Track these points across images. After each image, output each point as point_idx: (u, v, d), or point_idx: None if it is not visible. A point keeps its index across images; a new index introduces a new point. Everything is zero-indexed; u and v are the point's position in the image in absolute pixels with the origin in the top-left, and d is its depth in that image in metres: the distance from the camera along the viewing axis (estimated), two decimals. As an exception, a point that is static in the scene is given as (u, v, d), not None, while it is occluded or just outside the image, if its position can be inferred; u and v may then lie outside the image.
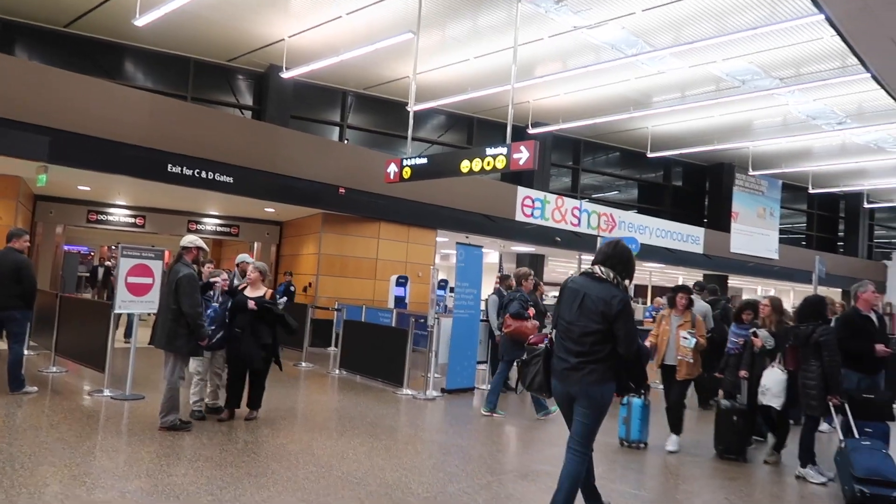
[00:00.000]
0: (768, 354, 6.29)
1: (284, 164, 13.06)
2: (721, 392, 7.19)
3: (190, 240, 6.29)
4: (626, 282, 3.98)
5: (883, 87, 7.27)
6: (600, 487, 4.38)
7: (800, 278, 22.60)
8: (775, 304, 6.59)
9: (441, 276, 18.47)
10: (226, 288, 6.72)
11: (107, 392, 7.23)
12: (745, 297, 29.32)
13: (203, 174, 11.80)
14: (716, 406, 6.72)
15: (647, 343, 6.56)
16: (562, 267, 24.28)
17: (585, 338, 3.84)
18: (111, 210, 15.45)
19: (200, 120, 12.49)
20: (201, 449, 5.42)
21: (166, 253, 12.10)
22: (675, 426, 6.60)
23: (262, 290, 6.62)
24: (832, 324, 6.09)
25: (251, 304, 6.43)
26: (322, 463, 5.29)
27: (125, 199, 14.93)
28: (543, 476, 5.36)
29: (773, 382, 6.01)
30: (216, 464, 5.06)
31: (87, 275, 17.57)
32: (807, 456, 5.88)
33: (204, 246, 6.38)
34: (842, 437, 5.62)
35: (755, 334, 6.39)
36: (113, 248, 19.59)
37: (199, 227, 16.18)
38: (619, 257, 4.01)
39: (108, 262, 15.40)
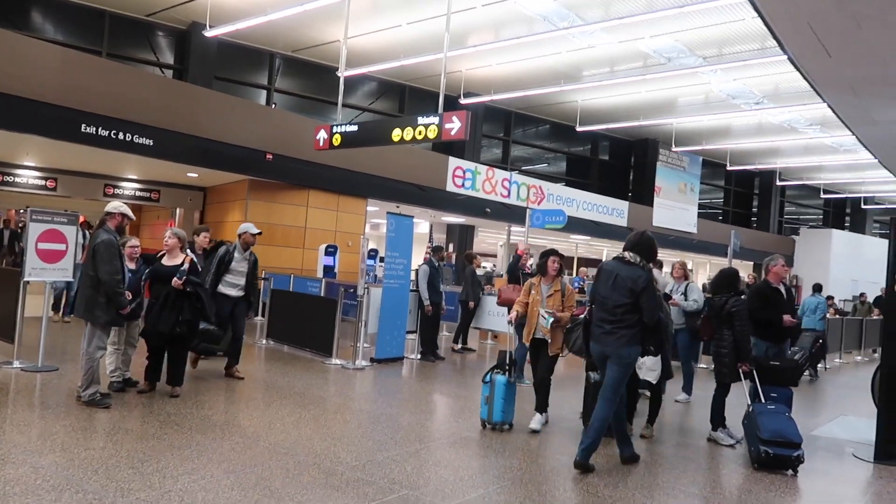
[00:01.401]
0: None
1: (208, 127, 12.56)
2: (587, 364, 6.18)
3: (114, 205, 5.98)
4: (650, 265, 5.09)
5: (798, 69, 7.60)
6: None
7: (716, 251, 23.69)
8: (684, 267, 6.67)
9: (371, 245, 18.37)
10: (135, 255, 6.48)
11: (17, 364, 6.86)
12: (666, 269, 30.59)
13: (120, 135, 11.22)
14: (585, 380, 6.08)
15: (514, 312, 6.00)
16: (491, 238, 24.57)
17: (617, 309, 4.89)
18: (19, 171, 14.49)
19: (117, 78, 11.82)
20: (120, 422, 5.24)
21: (80, 217, 11.48)
22: (541, 404, 6.08)
23: (180, 258, 6.32)
24: (743, 296, 6.41)
25: (177, 282, 6.09)
26: (248, 434, 5.21)
27: (35, 160, 14.03)
28: (471, 443, 5.47)
29: (648, 357, 5.64)
30: (137, 436, 4.91)
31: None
32: (718, 420, 6.23)
33: (129, 213, 6.03)
34: (749, 402, 5.96)
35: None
36: (21, 211, 18.45)
37: (117, 191, 15.42)
38: (643, 245, 5.01)
39: (13, 227, 14.48)
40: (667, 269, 11.64)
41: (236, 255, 7.40)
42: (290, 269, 13.57)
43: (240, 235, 7.55)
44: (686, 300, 8.11)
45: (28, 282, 6.98)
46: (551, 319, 5.77)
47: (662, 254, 25.79)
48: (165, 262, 6.31)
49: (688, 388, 8.05)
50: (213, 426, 5.35)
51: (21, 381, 6.40)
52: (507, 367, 5.91)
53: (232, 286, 7.35)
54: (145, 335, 6.29)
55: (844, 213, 33.61)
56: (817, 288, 12.43)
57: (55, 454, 4.37)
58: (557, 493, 4.46)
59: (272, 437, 5.15)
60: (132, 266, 6.41)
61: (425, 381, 8.35)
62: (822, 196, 29.94)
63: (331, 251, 14.36)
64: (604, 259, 27.84)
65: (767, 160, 25.33)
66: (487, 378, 5.91)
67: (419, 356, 9.77)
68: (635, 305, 4.82)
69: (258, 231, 7.68)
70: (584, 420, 5.96)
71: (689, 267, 8.90)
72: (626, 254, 4.97)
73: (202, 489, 3.94)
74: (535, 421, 6.01)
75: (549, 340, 5.93)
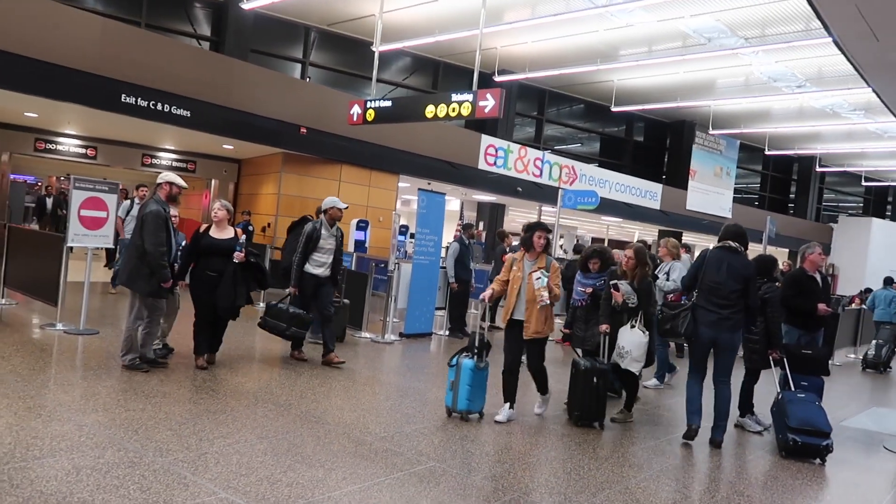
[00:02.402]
0: (628, 312, 5.64)
1: (244, 99, 12.68)
2: (579, 351, 6.16)
3: (163, 175, 5.96)
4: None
5: (843, 52, 7.39)
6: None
7: (751, 237, 23.18)
8: (640, 255, 5.73)
9: (402, 221, 18.46)
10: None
11: (59, 326, 7.10)
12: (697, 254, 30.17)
13: (159, 106, 11.39)
14: (573, 366, 5.68)
15: (490, 290, 5.55)
16: (522, 217, 24.46)
17: (732, 294, 5.31)
18: (61, 139, 14.81)
19: (156, 49, 11.97)
20: (158, 385, 5.41)
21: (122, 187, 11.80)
22: (509, 393, 5.52)
23: (229, 231, 6.16)
24: (777, 283, 6.34)
25: (239, 255, 5.99)
26: (281, 402, 5.35)
27: (75, 129, 14.32)
28: (486, 421, 5.54)
29: (633, 345, 5.50)
30: (174, 400, 5.07)
31: (34, 205, 16.92)
32: (746, 406, 6.21)
33: (177, 181, 5.92)
34: (779, 390, 5.92)
35: (616, 287, 5.61)
36: (62, 178, 18.90)
37: (154, 161, 15.69)
38: (742, 235, 5.60)
39: (55, 193, 14.82)
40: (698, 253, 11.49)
41: (323, 231, 6.90)
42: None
43: (325, 210, 7.00)
44: (668, 280, 7.38)
45: (71, 247, 7.19)
46: (546, 279, 5.21)
47: (694, 238, 25.42)
48: (214, 234, 6.09)
49: (660, 375, 7.72)
50: (246, 393, 5.50)
51: (64, 343, 6.63)
52: (475, 351, 5.37)
53: (319, 265, 6.89)
54: (204, 309, 6.07)
55: (886, 201, 32.71)
56: (888, 281, 12.13)
57: (97, 414, 4.55)
58: (592, 472, 4.51)
59: (303, 406, 5.28)
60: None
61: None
62: (864, 183, 29.15)
63: (362, 226, 14.47)
64: (635, 241, 27.59)
65: (807, 145, 24.71)
66: (454, 361, 5.40)
67: (447, 332, 9.86)
68: (745, 291, 5.32)
69: (345, 205, 7.19)
70: (569, 410, 5.70)
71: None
72: (730, 243, 5.48)
73: (237, 452, 4.08)
74: (537, 405, 5.76)
75: (548, 303, 5.24)
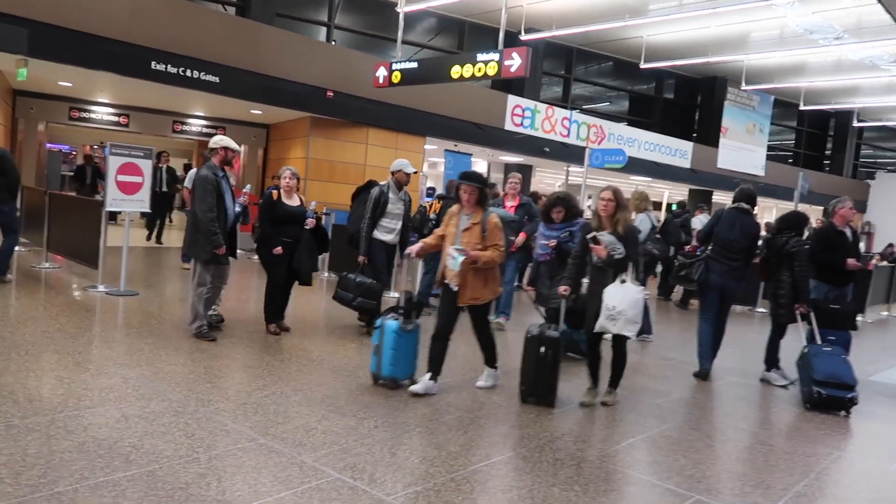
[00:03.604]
0: (615, 266, 4.69)
1: (271, 64, 12.74)
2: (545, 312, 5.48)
3: (215, 140, 5.88)
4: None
5: (881, 1, 7.16)
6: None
7: (784, 195, 22.82)
8: (619, 197, 4.85)
9: (429, 184, 18.50)
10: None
11: (101, 287, 7.39)
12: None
13: (188, 73, 11.53)
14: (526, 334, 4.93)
15: (420, 244, 4.96)
16: (549, 178, 24.32)
17: (742, 250, 6.00)
18: (94, 108, 15.11)
19: (184, 15, 12.05)
20: (197, 342, 5.64)
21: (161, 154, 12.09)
22: (434, 363, 4.82)
23: (296, 199, 6.18)
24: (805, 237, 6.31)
25: (310, 222, 6.09)
26: (314, 357, 5.55)
27: (108, 97, 14.58)
28: (514, 372, 5.67)
29: (628, 303, 4.58)
30: (211, 355, 5.30)
31: (72, 174, 17.32)
32: (772, 360, 6.25)
33: (231, 145, 5.86)
34: (805, 344, 5.94)
35: (595, 240, 4.68)
36: (96, 147, 19.30)
37: (185, 127, 15.93)
38: (752, 196, 6.26)
39: (94, 163, 15.17)
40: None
41: (391, 195, 6.62)
42: (349, 206, 13.86)
43: (393, 173, 6.73)
44: None
45: (110, 211, 7.44)
46: (460, 259, 4.54)
47: (725, 198, 24.94)
48: (286, 202, 6.09)
49: (647, 327, 7.53)
50: (281, 349, 5.71)
51: (106, 304, 6.92)
52: (402, 311, 4.86)
53: (388, 231, 6.62)
54: (280, 276, 6.09)
55: (927, 156, 31.70)
56: None
57: (141, 368, 4.79)
58: (618, 429, 4.63)
59: (335, 361, 5.47)
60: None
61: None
62: (904, 138, 28.28)
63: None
64: (664, 202, 27.26)
65: (845, 100, 23.93)
66: (378, 322, 4.90)
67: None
68: (751, 248, 6.10)
69: (414, 170, 6.88)
70: (524, 395, 4.83)
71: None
72: (742, 204, 6.15)
73: (273, 403, 4.28)
74: (422, 384, 4.76)
75: (457, 289, 4.67)
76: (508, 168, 20.50)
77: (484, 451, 3.83)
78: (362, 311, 6.64)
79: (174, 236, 12.98)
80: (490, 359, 5.12)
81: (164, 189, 12.15)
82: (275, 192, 6.19)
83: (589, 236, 4.73)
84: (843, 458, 4.42)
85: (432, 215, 8.31)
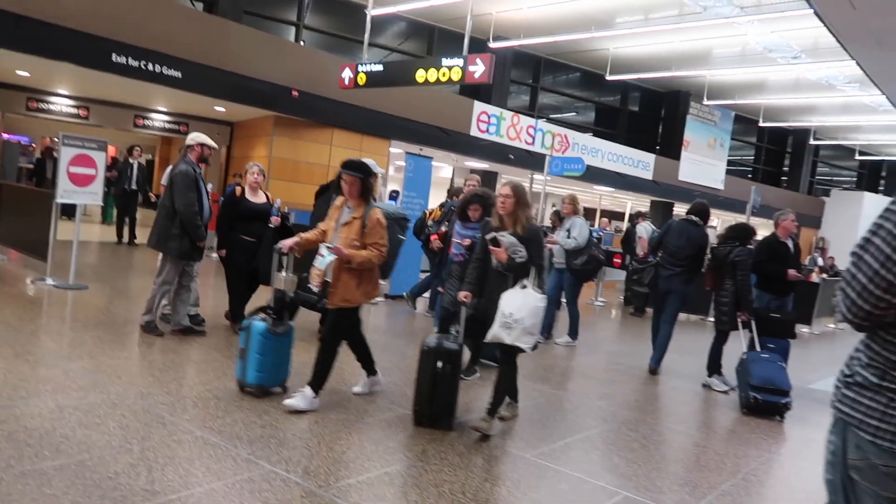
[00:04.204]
0: (516, 270, 4.14)
1: (237, 62, 12.66)
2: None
3: (192, 137, 5.84)
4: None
5: (823, 22, 7.43)
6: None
7: (741, 209, 23.35)
8: (519, 192, 4.31)
9: (395, 186, 18.50)
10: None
11: (49, 280, 7.26)
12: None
13: (150, 66, 11.39)
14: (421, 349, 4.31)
15: (297, 237, 4.47)
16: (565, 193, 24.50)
17: (687, 258, 6.47)
18: (53, 99, 14.81)
19: (149, 8, 11.90)
20: (143, 336, 5.59)
21: (111, 148, 11.84)
22: (319, 374, 4.28)
23: (262, 196, 6.12)
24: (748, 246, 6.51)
25: (275, 220, 5.96)
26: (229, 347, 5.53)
27: (67, 89, 14.32)
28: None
29: (526, 311, 3.99)
30: (158, 350, 5.26)
31: (31, 167, 16.91)
32: (714, 366, 6.43)
33: (208, 142, 5.84)
34: (745, 350, 6.12)
35: (495, 242, 4.16)
36: (55, 139, 18.88)
37: (147, 122, 15.71)
38: (704, 212, 6.69)
39: (56, 155, 14.84)
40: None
41: None
42: (311, 205, 13.81)
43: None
44: (568, 237, 7.30)
45: (59, 203, 7.32)
46: (328, 258, 4.16)
47: (684, 209, 25.32)
48: (250, 198, 6.03)
49: (574, 332, 7.64)
50: (230, 346, 5.67)
51: (54, 297, 6.80)
52: (272, 312, 4.44)
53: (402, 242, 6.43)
54: (242, 275, 5.98)
55: (880, 176, 32.74)
56: None
57: (83, 360, 4.73)
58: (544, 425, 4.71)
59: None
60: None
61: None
62: (858, 157, 29.15)
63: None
64: (626, 212, 27.68)
65: (802, 118, 24.66)
66: (245, 323, 4.46)
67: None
68: (697, 256, 6.50)
69: (382, 170, 6.71)
70: (418, 417, 4.23)
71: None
72: (694, 217, 6.61)
73: (215, 398, 4.27)
74: (302, 398, 4.22)
75: (317, 289, 4.31)
76: (474, 174, 20.63)
77: (420, 447, 3.88)
78: (324, 312, 6.47)
79: (142, 234, 12.79)
80: (366, 365, 4.73)
81: (133, 187, 11.75)
82: (238, 188, 6.10)
83: (488, 237, 4.21)
84: (773, 461, 4.57)
85: (430, 221, 8.14)
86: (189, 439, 3.55)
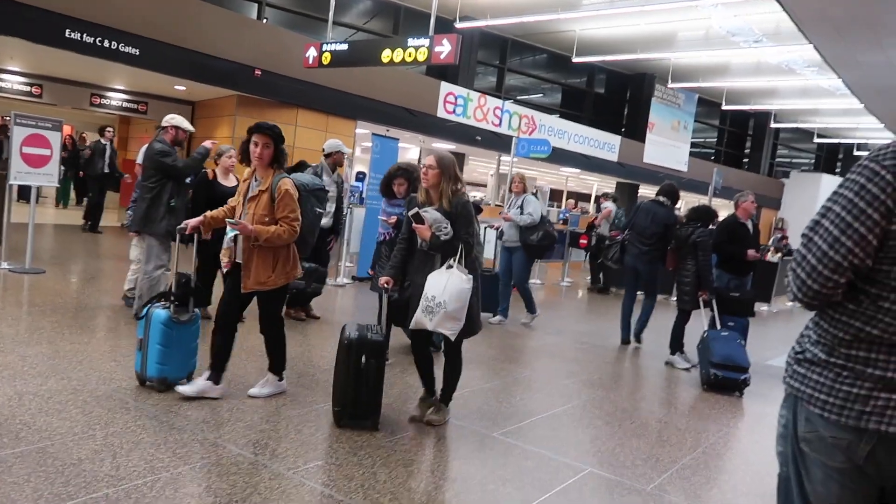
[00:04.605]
0: (442, 248, 3.77)
1: (198, 39, 12.35)
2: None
3: (168, 118, 5.68)
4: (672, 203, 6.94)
5: (783, 7, 7.57)
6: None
7: (703, 190, 23.79)
8: (444, 163, 3.85)
9: (361, 168, 18.37)
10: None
11: (4, 265, 7.06)
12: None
13: (106, 43, 11.04)
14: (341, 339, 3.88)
15: (200, 218, 4.12)
16: (482, 167, 24.55)
17: (653, 237, 6.77)
18: (4, 76, 14.27)
19: (103, -17, 11.53)
20: (106, 322, 5.49)
21: (66, 128, 11.42)
22: (215, 359, 4.00)
23: (233, 179, 5.92)
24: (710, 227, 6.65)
25: None
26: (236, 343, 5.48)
27: (19, 65, 13.80)
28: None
29: (450, 294, 3.66)
30: (120, 335, 5.17)
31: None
32: (676, 345, 6.58)
33: (184, 125, 5.71)
34: (706, 329, 6.27)
35: (418, 218, 3.78)
36: (6, 117, 18.23)
37: (104, 101, 15.26)
38: (672, 193, 7.02)
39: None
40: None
41: (325, 178, 6.28)
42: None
43: (328, 155, 6.54)
44: (522, 214, 7.37)
45: (12, 185, 7.10)
46: (231, 234, 3.87)
47: (650, 191, 25.69)
48: (222, 182, 5.88)
49: (531, 307, 7.66)
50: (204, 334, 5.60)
51: (9, 281, 6.62)
52: (175, 297, 4.06)
53: (321, 215, 6.46)
54: (213, 260, 5.65)
55: (837, 158, 33.62)
56: None
57: (41, 346, 4.63)
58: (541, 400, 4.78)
59: (249, 343, 5.42)
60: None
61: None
62: (816, 140, 29.89)
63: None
64: (593, 194, 27.96)
65: (764, 101, 25.13)
66: (144, 311, 4.07)
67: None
68: (664, 235, 6.68)
69: (349, 150, 6.47)
70: (339, 417, 3.79)
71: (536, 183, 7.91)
72: (661, 198, 6.91)
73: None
74: (195, 386, 3.98)
75: (226, 270, 4.02)
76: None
77: (389, 428, 3.90)
78: (312, 297, 6.42)
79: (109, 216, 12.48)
80: (275, 364, 4.18)
81: (107, 170, 11.36)
82: (210, 171, 5.95)
83: (411, 213, 3.80)
84: (731, 435, 4.71)
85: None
86: (154, 424, 3.51)
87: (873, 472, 1.57)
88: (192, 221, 4.06)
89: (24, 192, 7.80)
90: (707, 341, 5.90)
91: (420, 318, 3.74)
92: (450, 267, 3.76)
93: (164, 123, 5.71)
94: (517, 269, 7.63)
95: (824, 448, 1.61)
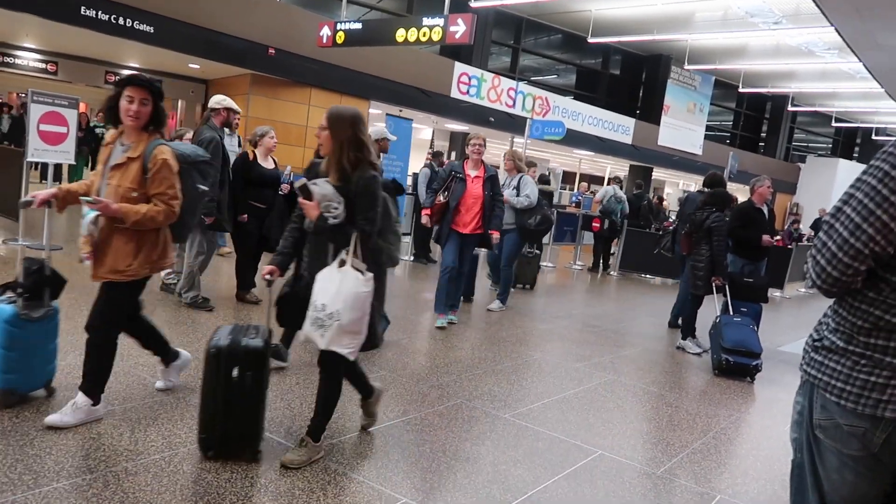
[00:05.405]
0: (329, 234, 2.95)
1: (212, 17, 12.34)
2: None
3: (217, 99, 5.55)
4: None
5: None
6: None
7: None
8: (339, 122, 2.94)
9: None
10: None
11: (21, 241, 7.13)
12: (667, 190, 30.53)
13: (121, 20, 11.06)
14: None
15: (46, 193, 3.25)
16: (495, 148, 24.41)
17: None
18: (19, 53, 14.33)
19: (117, -41, 11.51)
20: (121, 298, 5.55)
21: (82, 105, 11.44)
22: (93, 377, 3.21)
23: (271, 162, 5.96)
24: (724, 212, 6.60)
25: (285, 187, 5.68)
26: (241, 318, 5.53)
27: (34, 42, 13.85)
28: (449, 334, 5.79)
29: (343, 301, 2.84)
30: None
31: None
32: (688, 329, 6.57)
33: (234, 106, 5.67)
34: (718, 314, 6.26)
35: (305, 191, 2.94)
36: (22, 94, 18.32)
37: (118, 78, 15.28)
38: (716, 181, 7.08)
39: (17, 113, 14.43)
40: (669, 189, 11.70)
41: None
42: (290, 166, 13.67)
43: (376, 141, 6.31)
44: (518, 195, 7.05)
45: (31, 162, 7.15)
46: (90, 215, 3.06)
47: (664, 174, 25.57)
48: (262, 163, 5.86)
49: (504, 296, 7.34)
50: (205, 313, 5.67)
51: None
52: (24, 289, 3.28)
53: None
54: (253, 243, 5.87)
55: (854, 143, 33.18)
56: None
57: (61, 322, 4.68)
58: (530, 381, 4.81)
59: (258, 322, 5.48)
60: None
61: (416, 281, 8.67)
62: (833, 125, 29.48)
63: None
64: (606, 176, 27.81)
65: (781, 83, 24.78)
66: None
67: (412, 258, 10.07)
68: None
69: (395, 137, 6.51)
70: (205, 445, 2.96)
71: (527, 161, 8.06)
72: (705, 188, 6.98)
73: (199, 360, 4.27)
74: (160, 379, 3.72)
75: (86, 258, 3.21)
76: (454, 136, 20.53)
77: (402, 408, 3.94)
78: None
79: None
80: (90, 382, 3.20)
81: None
82: (250, 152, 5.91)
83: (297, 185, 2.98)
84: (741, 420, 4.72)
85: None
86: (171, 400, 3.57)
87: (888, 460, 1.57)
88: (42, 194, 3.20)
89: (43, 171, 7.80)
90: (719, 326, 5.89)
91: (309, 333, 2.94)
92: (342, 264, 2.91)
93: (213, 105, 5.60)
94: (507, 252, 7.18)
95: (840, 436, 1.61)
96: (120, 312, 3.28)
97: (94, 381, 3.20)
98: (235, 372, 2.91)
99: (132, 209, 3.03)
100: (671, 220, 8.31)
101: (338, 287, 2.87)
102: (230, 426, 2.94)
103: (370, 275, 2.90)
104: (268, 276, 3.08)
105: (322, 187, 2.92)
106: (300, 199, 2.94)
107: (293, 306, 3.07)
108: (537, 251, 9.28)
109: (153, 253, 3.20)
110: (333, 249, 2.99)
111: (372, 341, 3.06)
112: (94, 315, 3.21)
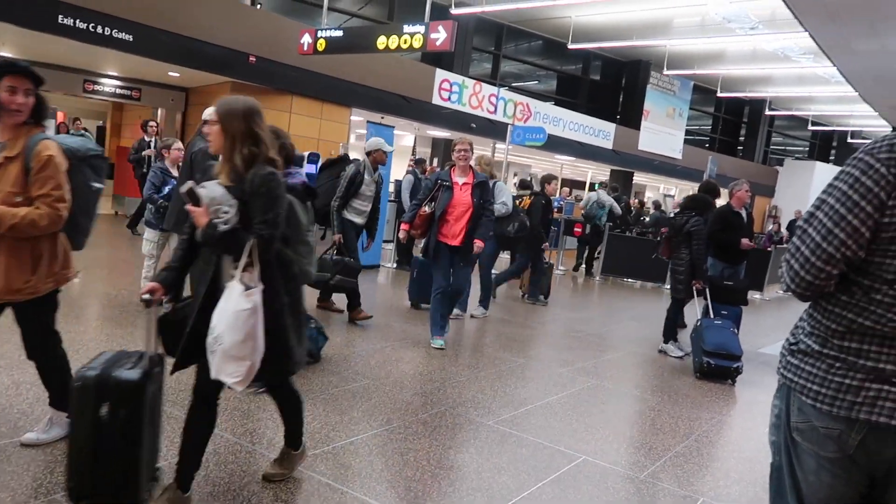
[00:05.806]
0: (218, 245, 2.48)
1: (191, 25, 12.26)
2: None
3: (210, 111, 5.63)
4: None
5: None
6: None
7: (698, 178, 23.83)
8: (229, 115, 2.56)
9: (356, 156, 18.33)
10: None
11: None
12: (647, 195, 30.80)
13: (99, 29, 10.94)
14: None
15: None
16: (477, 154, 24.47)
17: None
18: (-5, 62, 14.14)
19: (95, -33, 11.41)
20: (101, 311, 5.49)
21: (59, 114, 11.30)
22: (59, 390, 3.13)
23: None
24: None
25: None
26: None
27: (11, 51, 13.66)
28: (423, 346, 5.79)
29: (226, 323, 2.39)
30: (117, 324, 5.17)
31: None
32: (669, 333, 6.62)
33: None
34: (699, 317, 6.31)
35: (192, 196, 2.46)
36: None
37: (97, 87, 15.12)
38: (710, 189, 6.84)
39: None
40: (650, 193, 11.81)
41: (366, 177, 6.18)
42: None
43: (370, 154, 6.34)
44: (494, 203, 6.62)
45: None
46: None
47: (645, 179, 25.77)
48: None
49: (485, 302, 7.34)
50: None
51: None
52: None
53: (358, 213, 6.23)
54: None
55: (830, 146, 33.68)
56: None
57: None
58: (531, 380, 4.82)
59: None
60: (175, 172, 5.75)
61: (399, 288, 8.65)
62: (810, 128, 29.89)
63: (313, 159, 14.34)
64: (587, 182, 27.98)
65: (759, 88, 25.12)
66: None
67: (395, 265, 10.07)
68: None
69: (391, 148, 6.47)
70: (75, 496, 2.49)
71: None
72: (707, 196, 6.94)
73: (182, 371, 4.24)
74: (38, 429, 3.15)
75: None
76: (437, 143, 20.56)
77: (385, 417, 3.93)
78: (339, 291, 6.22)
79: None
80: (58, 396, 3.10)
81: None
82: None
83: (183, 189, 2.47)
84: (723, 423, 4.76)
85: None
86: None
87: (864, 461, 1.60)
88: None
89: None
90: (700, 329, 5.95)
91: (209, 359, 2.49)
92: (231, 277, 2.48)
93: (207, 117, 5.43)
94: (484, 259, 7.12)
95: (816, 438, 1.63)
96: (45, 328, 3.06)
97: (60, 393, 3.09)
98: (104, 409, 2.43)
99: (8, 212, 2.62)
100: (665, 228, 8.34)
101: (223, 305, 2.43)
102: (98, 471, 2.45)
103: (256, 289, 2.42)
104: (145, 296, 2.53)
105: (210, 189, 2.48)
106: (188, 206, 2.46)
107: (172, 331, 2.62)
108: (550, 262, 9.26)
109: (54, 265, 2.88)
110: (233, 261, 2.49)
111: (285, 366, 2.65)
112: (26, 345, 3.05)
